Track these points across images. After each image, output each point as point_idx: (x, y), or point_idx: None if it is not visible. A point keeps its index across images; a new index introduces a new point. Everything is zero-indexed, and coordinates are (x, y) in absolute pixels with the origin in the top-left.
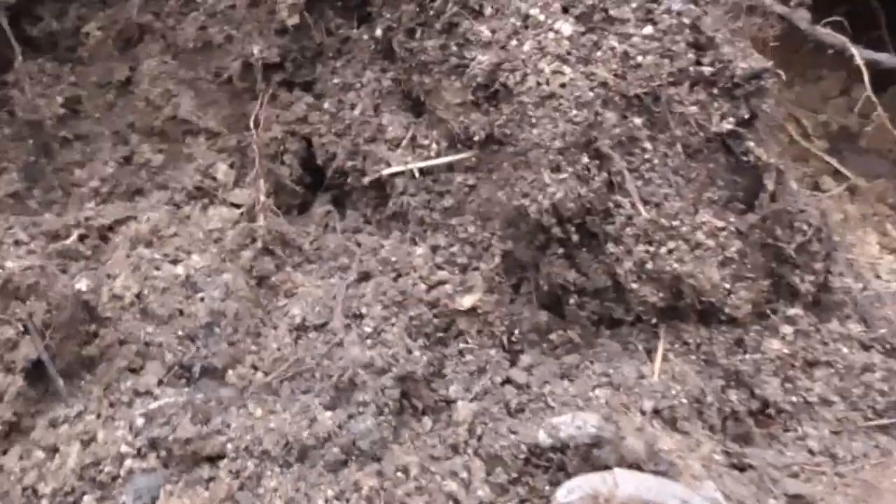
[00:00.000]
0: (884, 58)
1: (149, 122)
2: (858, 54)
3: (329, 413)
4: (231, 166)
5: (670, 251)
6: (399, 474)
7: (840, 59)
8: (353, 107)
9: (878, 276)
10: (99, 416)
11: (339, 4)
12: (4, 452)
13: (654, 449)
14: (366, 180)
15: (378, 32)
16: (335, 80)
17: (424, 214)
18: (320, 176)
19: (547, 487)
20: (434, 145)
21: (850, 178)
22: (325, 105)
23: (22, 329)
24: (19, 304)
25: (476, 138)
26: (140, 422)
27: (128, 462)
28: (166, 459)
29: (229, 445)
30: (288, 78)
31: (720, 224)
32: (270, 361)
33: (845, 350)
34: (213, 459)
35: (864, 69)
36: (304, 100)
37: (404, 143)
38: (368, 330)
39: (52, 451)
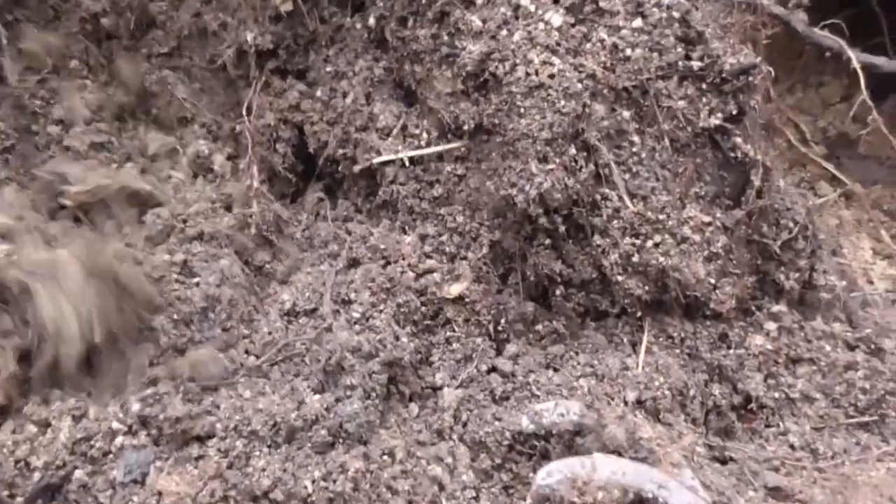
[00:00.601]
0: (882, 62)
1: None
2: (855, 57)
3: (317, 396)
4: (225, 153)
5: (656, 245)
6: (385, 458)
7: (842, 65)
8: (345, 95)
9: (870, 281)
10: (91, 393)
11: None
12: None
13: (634, 437)
14: (357, 168)
15: (371, 21)
16: (328, 69)
17: (414, 203)
18: (312, 164)
19: (530, 474)
20: (425, 134)
21: (846, 184)
22: (318, 93)
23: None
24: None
25: (466, 128)
26: (132, 400)
27: (119, 438)
28: (157, 437)
29: (219, 425)
30: (281, 65)
31: (706, 219)
32: (261, 345)
33: (828, 348)
34: (203, 438)
35: (860, 72)
36: (297, 87)
37: (395, 131)
38: (357, 315)
39: (45, 425)
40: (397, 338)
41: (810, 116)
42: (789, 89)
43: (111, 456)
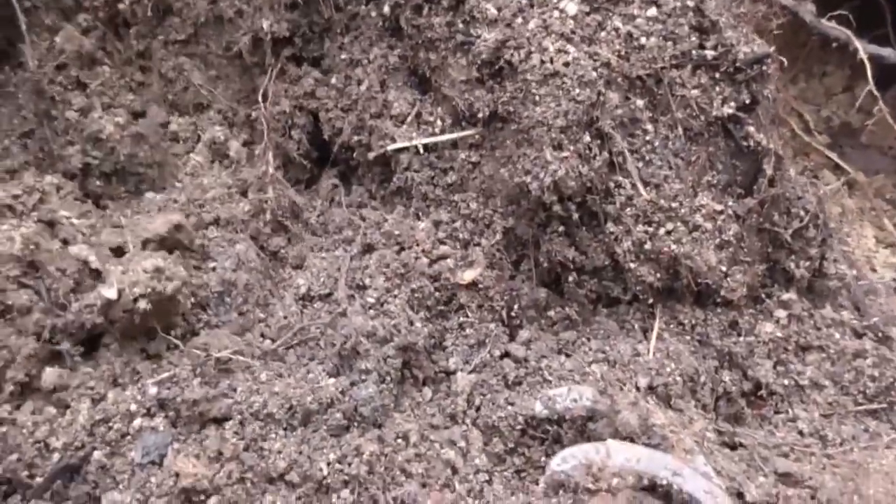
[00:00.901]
0: (888, 53)
1: (161, 94)
2: (862, 48)
3: (332, 380)
4: (241, 139)
5: (669, 232)
6: (399, 441)
7: (844, 56)
8: (359, 82)
9: (873, 270)
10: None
11: None
12: (17, 408)
13: (647, 423)
14: (371, 155)
15: (386, 9)
16: (343, 56)
17: (428, 190)
18: (327, 151)
19: (543, 458)
20: (439, 122)
21: (849, 173)
22: (333, 80)
23: (35, 295)
24: (33, 270)
25: (480, 115)
26: (149, 382)
27: (137, 420)
28: (174, 419)
29: (235, 408)
30: (296, 53)
31: (718, 207)
32: (277, 329)
33: (838, 336)
34: (220, 421)
35: (867, 63)
36: (312, 75)
37: (409, 119)
38: (371, 301)
39: (64, 406)
40: (411, 323)
41: (813, 106)
42: (792, 79)
43: (129, 437)
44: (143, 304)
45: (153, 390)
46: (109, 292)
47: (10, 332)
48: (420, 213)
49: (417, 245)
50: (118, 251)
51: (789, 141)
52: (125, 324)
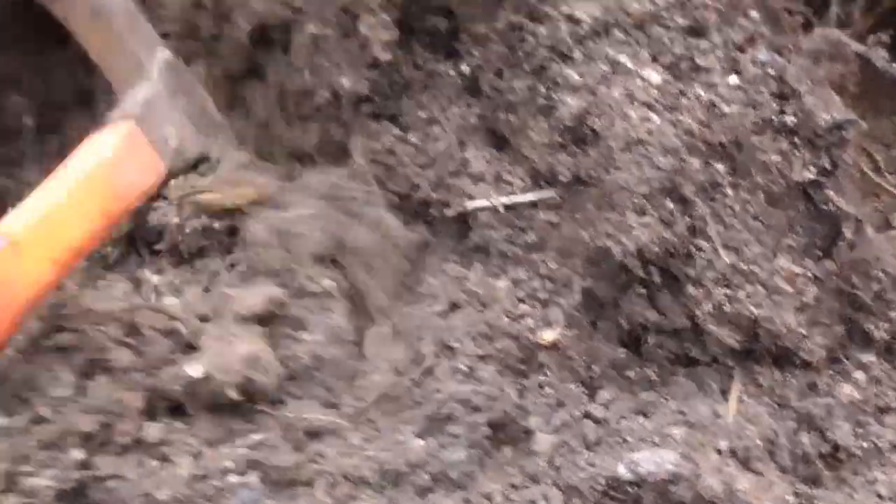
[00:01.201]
0: None
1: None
2: None
3: (421, 442)
4: None
5: (748, 295)
6: (483, 501)
7: None
8: (437, 140)
9: None
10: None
11: (427, 41)
12: (122, 460)
13: (731, 488)
14: (449, 213)
15: (465, 69)
16: (421, 114)
17: (506, 248)
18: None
19: None
20: (518, 181)
21: None
22: (411, 137)
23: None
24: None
25: (562, 178)
26: (240, 445)
27: (231, 477)
28: (265, 478)
29: (326, 468)
30: (375, 110)
31: (798, 270)
32: (366, 390)
33: None
34: (311, 483)
35: None
36: (392, 132)
37: (488, 178)
38: (460, 365)
39: (165, 460)
40: (502, 389)
41: (883, 145)
42: (861, 117)
43: (225, 492)
44: (232, 393)
45: (243, 452)
46: (195, 371)
47: (118, 387)
48: (499, 272)
49: (497, 304)
50: (206, 318)
51: (859, 182)
52: (208, 401)
